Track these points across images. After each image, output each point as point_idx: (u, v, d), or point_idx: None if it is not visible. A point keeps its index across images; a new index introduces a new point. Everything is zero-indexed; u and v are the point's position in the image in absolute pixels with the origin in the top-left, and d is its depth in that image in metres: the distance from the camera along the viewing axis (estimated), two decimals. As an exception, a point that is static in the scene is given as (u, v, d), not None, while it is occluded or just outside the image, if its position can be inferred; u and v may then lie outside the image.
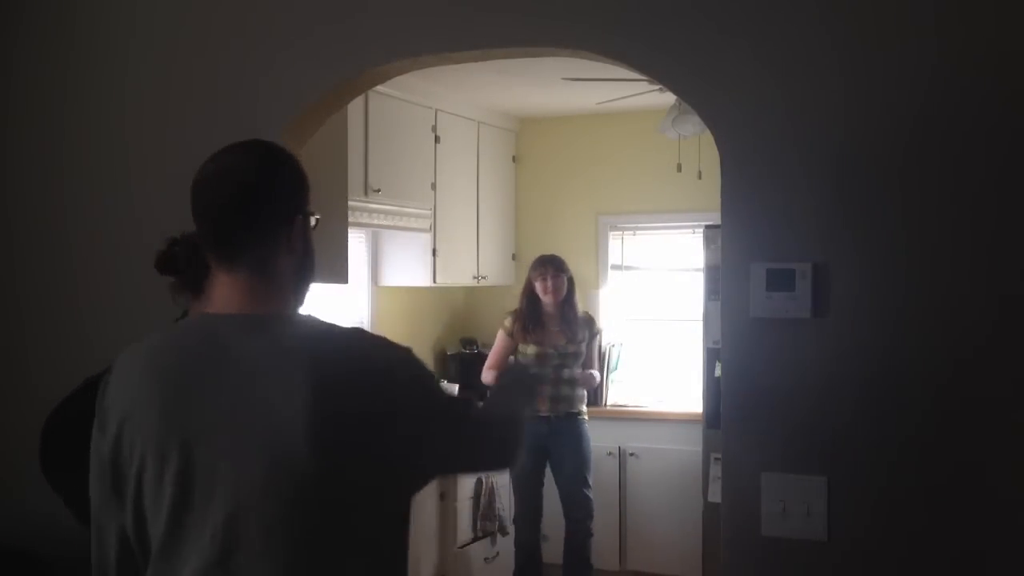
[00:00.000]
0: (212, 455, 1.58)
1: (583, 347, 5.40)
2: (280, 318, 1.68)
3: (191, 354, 1.65)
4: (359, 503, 1.60)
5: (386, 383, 1.63)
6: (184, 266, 2.57)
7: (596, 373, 5.57)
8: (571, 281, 5.41)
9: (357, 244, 5.56)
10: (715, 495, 4.20)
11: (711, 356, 4.77)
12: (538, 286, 5.33)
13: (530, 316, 5.34)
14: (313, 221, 1.74)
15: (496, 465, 2.63)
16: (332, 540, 1.58)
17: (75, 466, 2.48)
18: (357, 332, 1.74)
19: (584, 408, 5.46)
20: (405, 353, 1.70)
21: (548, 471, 5.40)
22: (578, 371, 5.39)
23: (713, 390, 4.70)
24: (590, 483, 5.38)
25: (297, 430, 1.55)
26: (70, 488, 2.49)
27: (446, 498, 5.47)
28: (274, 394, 1.57)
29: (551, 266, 5.33)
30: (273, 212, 1.67)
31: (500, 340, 5.43)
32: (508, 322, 5.40)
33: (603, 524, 5.75)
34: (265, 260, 1.67)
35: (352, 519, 1.60)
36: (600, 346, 5.69)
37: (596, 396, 6.14)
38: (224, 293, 1.68)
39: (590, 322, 5.54)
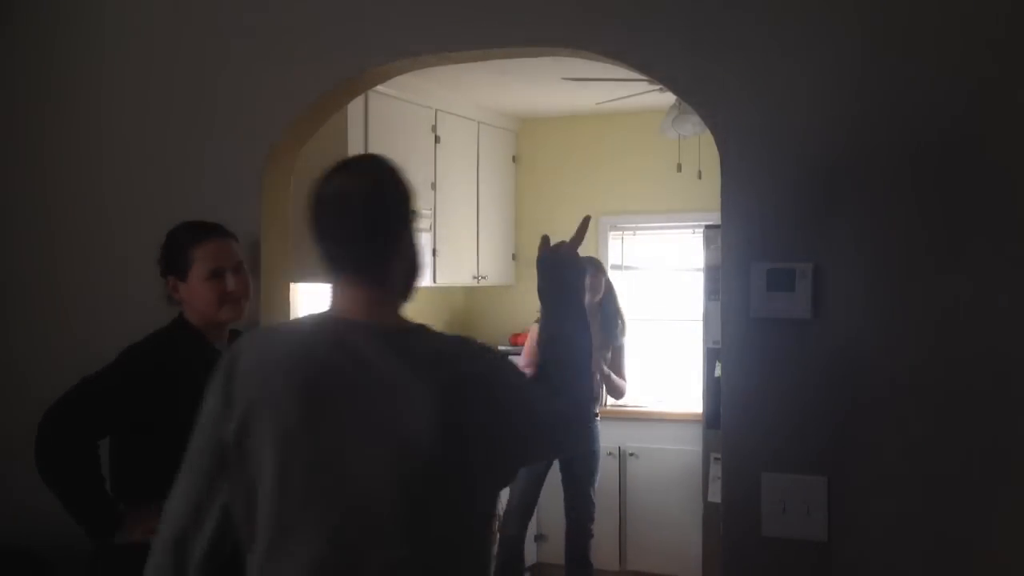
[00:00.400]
0: (340, 448, 1.69)
1: (610, 352, 5.35)
2: (401, 327, 1.80)
3: (323, 353, 1.75)
4: (471, 499, 1.75)
5: (497, 384, 1.79)
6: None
7: (624, 382, 5.47)
8: (610, 284, 5.39)
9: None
10: (715, 495, 4.21)
11: (711, 356, 4.77)
12: None
13: None
14: (420, 223, 1.85)
15: (567, 451, 2.65)
16: (447, 534, 1.72)
17: (71, 463, 2.49)
18: (467, 338, 1.89)
19: (598, 409, 5.44)
20: (504, 358, 1.88)
21: (551, 470, 5.37)
22: (610, 373, 5.33)
23: (713, 390, 4.70)
24: (595, 485, 5.36)
25: (425, 430, 1.67)
26: (65, 484, 2.49)
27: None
28: (402, 397, 1.69)
29: (591, 266, 5.23)
30: (387, 226, 1.78)
31: (534, 334, 5.29)
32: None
33: (603, 524, 5.75)
34: (381, 270, 1.79)
35: (465, 512, 1.74)
36: (624, 352, 5.57)
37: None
38: (346, 300, 1.79)
39: (624, 328, 5.49)
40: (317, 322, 1.82)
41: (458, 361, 1.77)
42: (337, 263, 1.80)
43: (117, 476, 2.54)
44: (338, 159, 1.89)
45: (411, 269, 1.84)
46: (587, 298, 5.16)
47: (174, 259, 2.61)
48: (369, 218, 1.76)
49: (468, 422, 1.72)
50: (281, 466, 1.70)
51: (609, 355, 5.33)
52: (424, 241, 5.78)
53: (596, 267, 5.33)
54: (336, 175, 1.83)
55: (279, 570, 1.70)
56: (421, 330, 1.81)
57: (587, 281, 5.10)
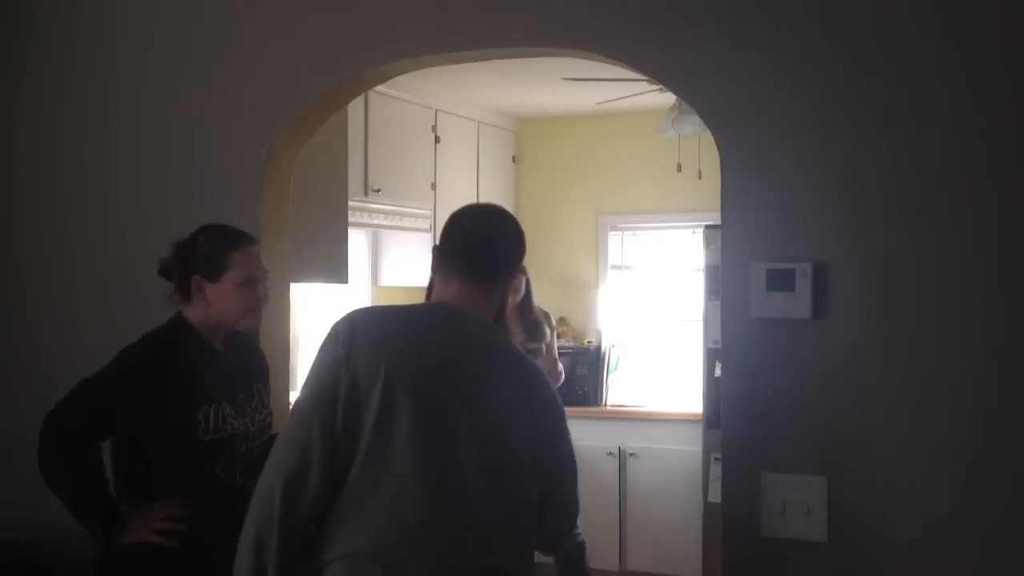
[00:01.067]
0: (444, 411, 1.98)
1: (543, 346, 5.03)
2: (496, 327, 2.14)
3: (441, 328, 2.08)
4: (527, 487, 2.05)
5: (561, 429, 2.15)
6: (176, 276, 2.60)
7: (560, 369, 5.21)
8: (528, 280, 5.01)
9: (357, 244, 5.56)
10: (715, 495, 4.20)
11: (711, 356, 4.77)
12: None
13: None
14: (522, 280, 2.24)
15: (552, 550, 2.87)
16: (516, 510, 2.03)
17: (73, 466, 2.49)
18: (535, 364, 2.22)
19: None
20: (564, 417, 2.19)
21: None
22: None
23: (713, 390, 4.70)
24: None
25: (515, 410, 2.03)
26: (68, 488, 2.49)
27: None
28: (501, 377, 2.05)
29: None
30: (515, 260, 2.20)
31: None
32: None
33: (603, 524, 5.74)
34: (494, 283, 2.16)
35: (520, 494, 2.04)
36: (555, 344, 5.25)
37: (596, 396, 6.14)
38: (457, 294, 2.11)
39: (548, 319, 5.20)
40: (435, 306, 2.14)
41: (537, 376, 2.12)
42: (473, 268, 2.12)
43: (119, 477, 2.54)
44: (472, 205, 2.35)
45: (504, 302, 2.24)
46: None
47: (208, 260, 2.56)
48: (513, 246, 2.19)
49: (541, 404, 2.08)
50: (391, 419, 1.95)
51: (542, 353, 4.99)
52: (424, 241, 5.80)
53: None
54: (487, 208, 2.36)
55: (366, 521, 1.93)
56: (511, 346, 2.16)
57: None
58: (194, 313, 2.59)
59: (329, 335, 2.03)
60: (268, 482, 1.98)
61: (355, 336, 2.01)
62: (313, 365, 2.03)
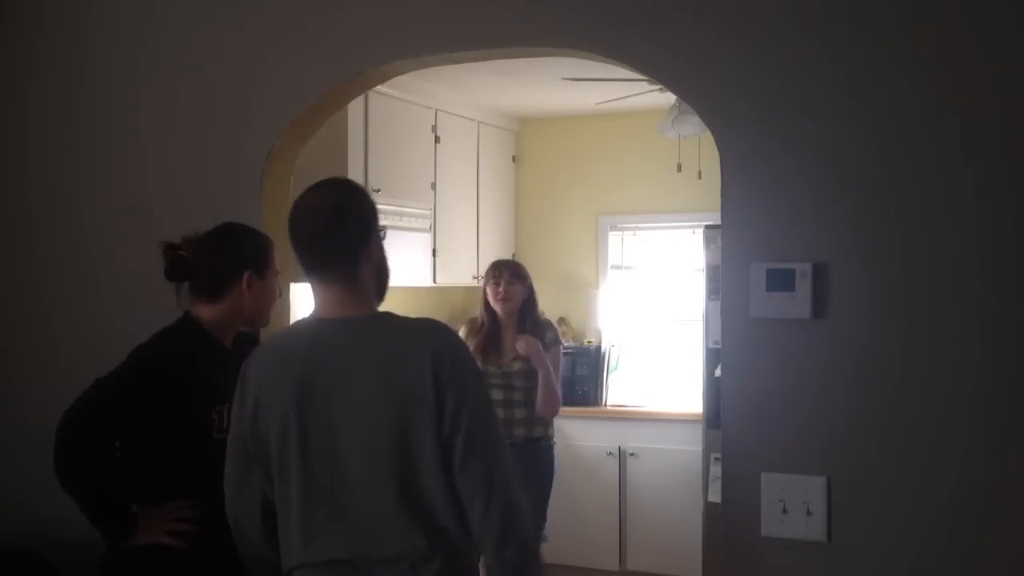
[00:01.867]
0: (328, 423, 2.06)
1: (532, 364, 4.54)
2: (368, 317, 2.13)
3: (306, 348, 2.12)
4: (436, 461, 2.05)
5: (450, 359, 2.08)
6: (202, 272, 2.58)
7: (558, 395, 4.61)
8: (532, 290, 4.71)
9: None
10: (715, 495, 4.19)
11: (711, 356, 4.76)
12: (489, 291, 4.65)
13: (488, 330, 4.64)
14: (384, 234, 2.19)
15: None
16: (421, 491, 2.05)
17: (90, 466, 2.48)
18: (438, 323, 2.22)
19: (551, 432, 4.66)
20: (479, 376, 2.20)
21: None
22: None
23: (713, 390, 4.69)
24: (546, 518, 4.64)
25: (401, 396, 2.03)
26: (84, 489, 2.48)
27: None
28: (370, 371, 2.05)
29: (506, 271, 4.66)
30: (352, 236, 2.12)
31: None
32: (463, 331, 4.71)
33: (603, 524, 5.75)
34: (350, 274, 2.12)
35: (433, 470, 2.06)
36: (559, 361, 4.71)
37: (596, 396, 6.14)
38: (323, 302, 2.13)
39: (552, 329, 4.72)
40: (303, 324, 2.21)
41: (428, 338, 2.09)
42: (312, 266, 2.13)
43: (130, 476, 2.52)
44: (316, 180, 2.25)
45: (379, 271, 2.19)
46: (499, 307, 4.60)
47: (259, 255, 2.62)
48: (332, 227, 2.11)
49: (434, 381, 2.01)
50: (284, 446, 2.08)
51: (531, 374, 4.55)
52: (424, 241, 5.80)
53: (512, 271, 4.68)
54: (309, 192, 2.19)
55: (298, 530, 2.09)
56: (387, 315, 2.15)
57: (500, 288, 4.59)
58: (207, 312, 2.58)
59: (238, 381, 2.20)
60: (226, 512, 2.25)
61: (246, 380, 2.17)
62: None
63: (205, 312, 2.58)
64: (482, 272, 6.33)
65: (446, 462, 2.02)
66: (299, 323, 2.24)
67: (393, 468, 2.03)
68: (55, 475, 2.45)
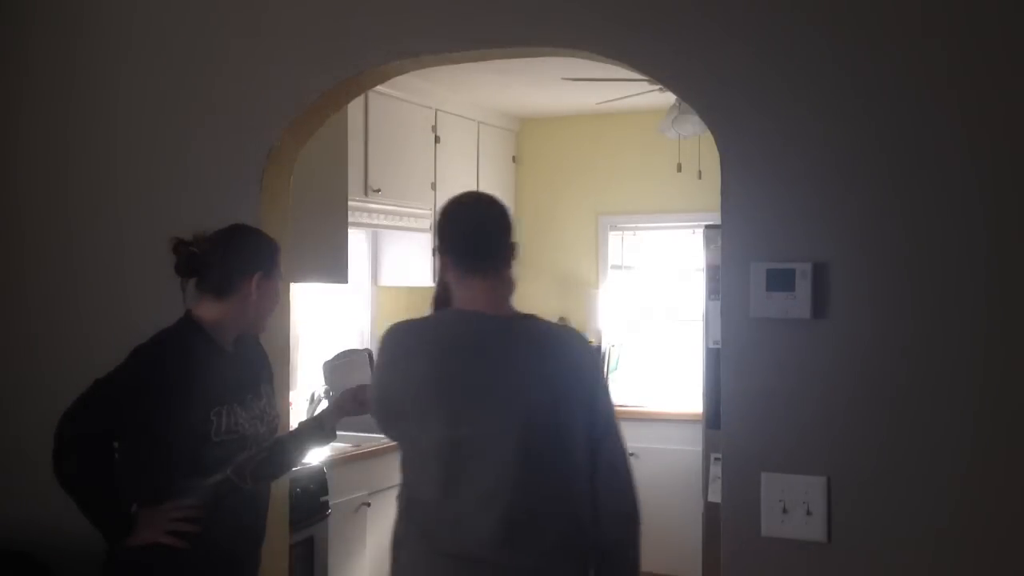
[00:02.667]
0: (471, 412, 2.19)
1: None
2: (521, 316, 2.32)
3: (456, 335, 2.27)
4: (569, 460, 2.25)
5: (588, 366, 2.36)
6: (213, 271, 2.58)
7: None
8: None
9: (357, 244, 5.56)
10: (715, 495, 4.20)
11: (711, 356, 4.77)
12: None
13: None
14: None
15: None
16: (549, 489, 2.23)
17: (89, 465, 2.48)
18: (573, 330, 2.54)
19: None
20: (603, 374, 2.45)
21: None
22: None
23: (713, 390, 4.69)
24: None
25: (534, 396, 2.21)
26: (84, 488, 2.48)
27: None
28: (518, 368, 2.22)
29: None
30: (508, 241, 2.34)
31: None
32: None
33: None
34: (504, 274, 2.33)
35: (564, 470, 2.26)
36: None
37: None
38: (473, 296, 2.29)
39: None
40: (448, 314, 2.33)
41: (566, 346, 2.31)
42: (472, 264, 2.30)
43: (129, 477, 2.52)
44: (464, 191, 2.50)
45: (512, 275, 2.38)
46: None
47: (270, 256, 2.64)
48: (502, 228, 2.34)
49: (563, 384, 2.23)
50: (426, 426, 2.20)
51: None
52: (424, 241, 5.80)
53: None
54: (472, 195, 2.50)
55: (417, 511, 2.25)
56: (533, 317, 2.32)
57: None
58: (210, 311, 2.58)
59: (380, 356, 2.33)
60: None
61: (383, 353, 2.29)
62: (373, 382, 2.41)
63: (207, 311, 2.58)
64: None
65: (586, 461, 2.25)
66: (445, 313, 2.34)
67: (556, 470, 2.23)
68: (54, 475, 2.45)
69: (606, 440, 2.30)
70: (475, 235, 2.32)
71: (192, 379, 2.49)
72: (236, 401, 2.55)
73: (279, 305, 2.72)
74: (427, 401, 2.22)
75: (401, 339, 2.32)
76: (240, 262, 2.59)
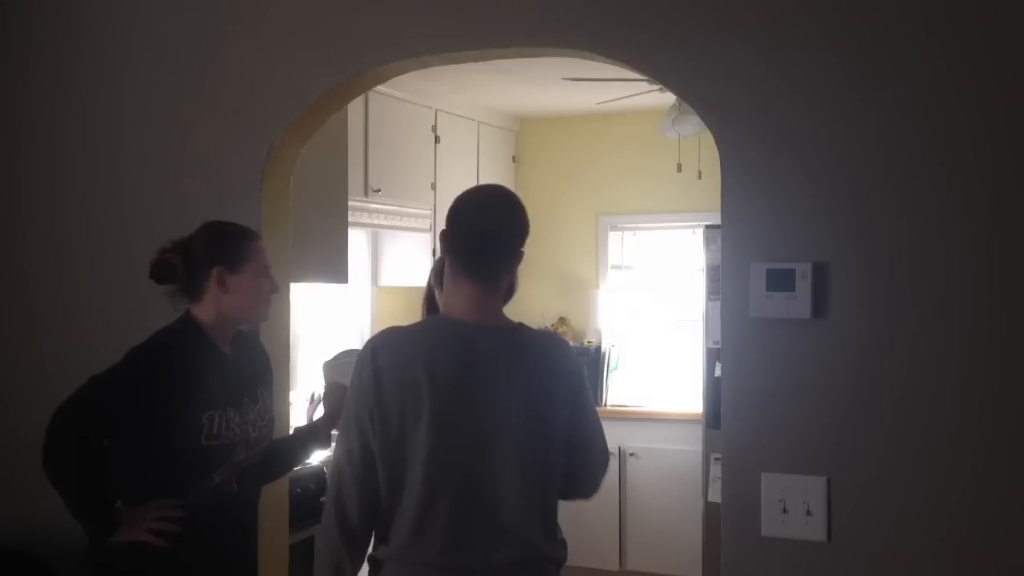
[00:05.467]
0: (459, 422, 2.14)
1: None
2: (505, 325, 2.24)
3: (446, 344, 2.18)
4: (548, 473, 2.25)
5: (580, 391, 2.30)
6: (180, 274, 2.57)
7: None
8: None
9: (357, 244, 5.56)
10: (715, 495, 4.20)
11: (711, 356, 4.77)
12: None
13: None
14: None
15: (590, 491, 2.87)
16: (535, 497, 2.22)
17: (76, 461, 2.48)
18: (557, 337, 2.44)
19: None
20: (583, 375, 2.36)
21: None
22: None
23: (713, 390, 4.70)
24: None
25: (522, 406, 2.16)
26: (68, 482, 2.48)
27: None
28: (509, 378, 2.17)
29: None
30: (512, 246, 2.23)
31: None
32: None
33: (603, 524, 5.75)
34: (499, 280, 2.23)
35: (543, 479, 2.26)
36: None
37: (596, 396, 6.14)
38: (461, 301, 2.21)
39: None
40: (439, 323, 2.28)
41: (551, 355, 2.24)
42: (472, 264, 2.20)
43: (118, 475, 2.53)
44: (472, 187, 2.41)
45: (512, 286, 2.36)
46: None
47: (229, 249, 2.57)
48: (506, 230, 2.23)
49: (550, 404, 2.20)
50: (413, 427, 2.12)
51: None
52: (424, 241, 5.80)
53: None
54: (476, 193, 2.35)
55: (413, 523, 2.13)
56: (520, 327, 2.25)
57: None
58: (204, 312, 2.57)
59: (356, 365, 2.19)
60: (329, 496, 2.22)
61: (375, 364, 2.16)
62: (349, 396, 2.22)
63: (200, 312, 2.58)
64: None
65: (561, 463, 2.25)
66: (432, 320, 2.31)
67: (537, 479, 2.21)
68: (43, 468, 2.46)
69: (587, 451, 2.31)
70: (477, 237, 2.21)
71: (185, 382, 2.48)
72: (231, 404, 2.54)
73: (272, 294, 2.64)
74: (416, 410, 2.14)
75: (394, 347, 2.22)
76: (197, 262, 2.56)
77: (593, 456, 2.35)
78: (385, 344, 2.21)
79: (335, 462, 2.19)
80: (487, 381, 2.17)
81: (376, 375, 2.15)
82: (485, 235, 2.20)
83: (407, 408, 2.13)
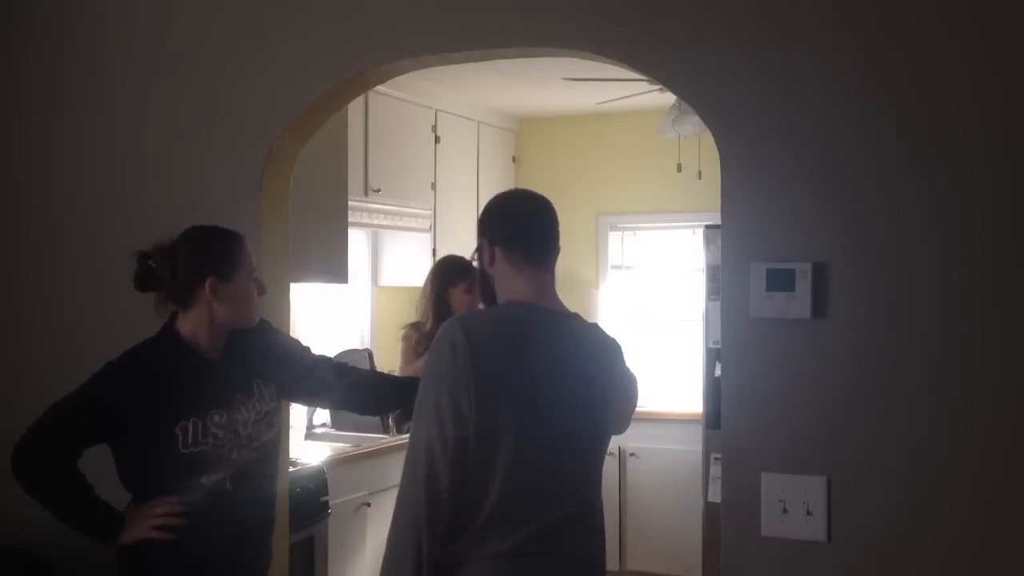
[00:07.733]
0: (542, 407, 2.21)
1: None
2: (568, 314, 2.38)
3: (532, 328, 2.28)
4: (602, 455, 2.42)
5: (619, 363, 2.42)
6: (168, 282, 2.55)
7: None
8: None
9: (357, 244, 5.56)
10: (715, 495, 4.20)
11: (711, 356, 4.77)
12: (458, 298, 4.13)
13: None
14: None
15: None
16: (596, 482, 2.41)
17: (54, 483, 2.49)
18: (597, 326, 2.48)
19: None
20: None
21: None
22: None
23: (713, 390, 4.70)
24: None
25: (594, 392, 2.30)
26: (54, 501, 2.50)
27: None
28: (579, 366, 2.27)
29: (473, 277, 3.85)
30: (558, 233, 2.48)
31: (410, 360, 4.17)
32: (414, 339, 4.20)
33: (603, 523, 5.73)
34: (553, 269, 2.44)
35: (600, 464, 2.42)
36: None
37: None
38: (531, 288, 2.34)
39: None
40: (523, 309, 2.32)
41: (605, 342, 2.37)
42: (536, 259, 2.37)
43: (122, 477, 2.53)
44: (513, 190, 2.64)
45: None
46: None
47: (222, 258, 2.52)
48: (556, 224, 2.47)
49: (610, 388, 2.34)
50: (492, 414, 2.15)
51: None
52: (424, 241, 5.81)
53: (472, 276, 3.88)
54: (526, 192, 2.53)
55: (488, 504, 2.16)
56: (577, 316, 2.39)
57: (476, 294, 3.79)
58: (189, 321, 2.53)
59: (445, 345, 2.18)
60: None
61: (471, 344, 2.17)
62: (434, 374, 2.19)
63: (182, 323, 2.54)
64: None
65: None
66: (512, 306, 2.33)
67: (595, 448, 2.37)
68: (27, 493, 2.48)
69: (624, 406, 2.47)
70: (539, 225, 2.40)
71: (156, 392, 2.46)
72: (215, 408, 2.49)
73: (260, 298, 2.60)
74: (510, 393, 2.17)
75: (486, 330, 2.24)
76: (189, 272, 2.51)
77: (628, 403, 2.49)
78: (477, 326, 2.23)
79: (425, 440, 2.16)
80: (571, 366, 2.26)
81: (472, 355, 2.15)
82: (539, 220, 2.40)
83: (501, 390, 2.16)
